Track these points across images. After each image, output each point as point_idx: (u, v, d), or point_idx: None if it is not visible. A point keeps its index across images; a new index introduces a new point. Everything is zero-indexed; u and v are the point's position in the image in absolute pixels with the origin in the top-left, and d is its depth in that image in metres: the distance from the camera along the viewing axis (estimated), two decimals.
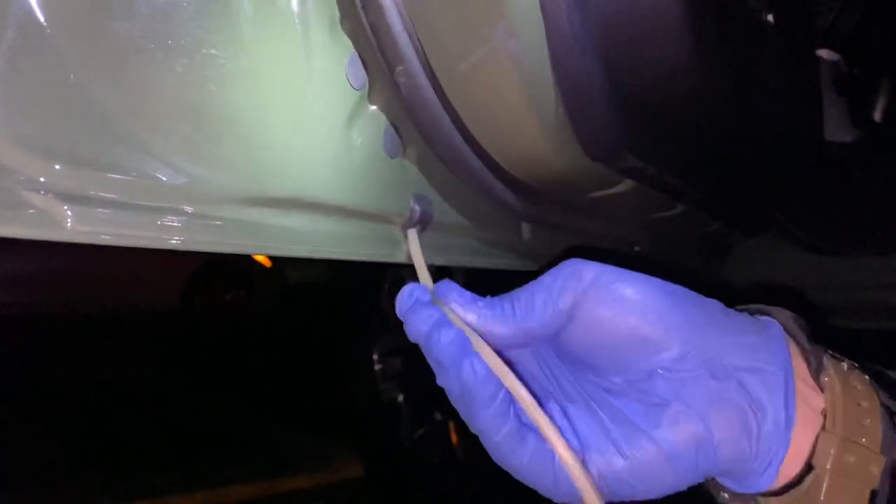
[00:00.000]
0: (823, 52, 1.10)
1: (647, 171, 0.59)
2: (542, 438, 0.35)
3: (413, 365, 1.86)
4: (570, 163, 0.56)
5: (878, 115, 1.12)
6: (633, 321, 0.35)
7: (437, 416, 1.82)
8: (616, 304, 0.36)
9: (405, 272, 1.95)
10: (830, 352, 0.39)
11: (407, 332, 0.39)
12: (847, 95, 1.13)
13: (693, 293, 0.38)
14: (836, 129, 1.12)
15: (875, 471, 0.35)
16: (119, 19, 0.35)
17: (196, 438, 1.92)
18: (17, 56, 0.32)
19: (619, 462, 0.34)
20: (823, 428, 0.36)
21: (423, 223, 0.54)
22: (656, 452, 0.34)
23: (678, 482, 0.35)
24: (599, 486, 0.34)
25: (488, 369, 0.35)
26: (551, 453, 0.34)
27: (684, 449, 0.34)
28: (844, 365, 0.39)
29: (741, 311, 0.40)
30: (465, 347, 0.36)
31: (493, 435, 0.35)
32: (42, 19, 0.32)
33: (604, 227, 0.78)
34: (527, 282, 0.39)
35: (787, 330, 0.39)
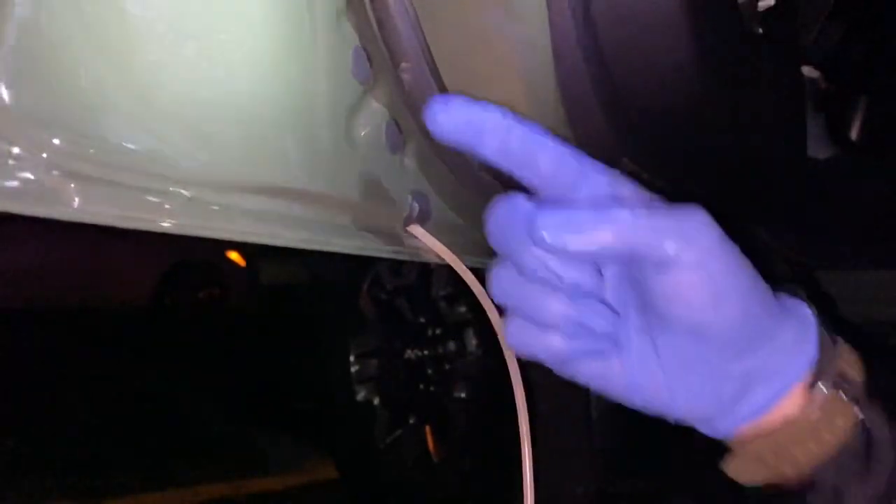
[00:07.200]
0: (804, 69, 1.12)
1: (640, 176, 0.60)
2: None
3: (390, 367, 1.85)
4: None
5: (854, 134, 1.14)
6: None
7: (413, 419, 1.82)
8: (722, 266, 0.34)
9: (383, 272, 1.95)
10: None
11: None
12: (825, 112, 1.15)
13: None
14: (816, 146, 1.14)
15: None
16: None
17: (167, 437, 1.88)
18: (21, 31, 0.31)
19: None
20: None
21: (421, 220, 0.53)
22: None
23: None
24: None
25: None
26: None
27: None
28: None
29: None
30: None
31: None
32: None
33: None
34: None
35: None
